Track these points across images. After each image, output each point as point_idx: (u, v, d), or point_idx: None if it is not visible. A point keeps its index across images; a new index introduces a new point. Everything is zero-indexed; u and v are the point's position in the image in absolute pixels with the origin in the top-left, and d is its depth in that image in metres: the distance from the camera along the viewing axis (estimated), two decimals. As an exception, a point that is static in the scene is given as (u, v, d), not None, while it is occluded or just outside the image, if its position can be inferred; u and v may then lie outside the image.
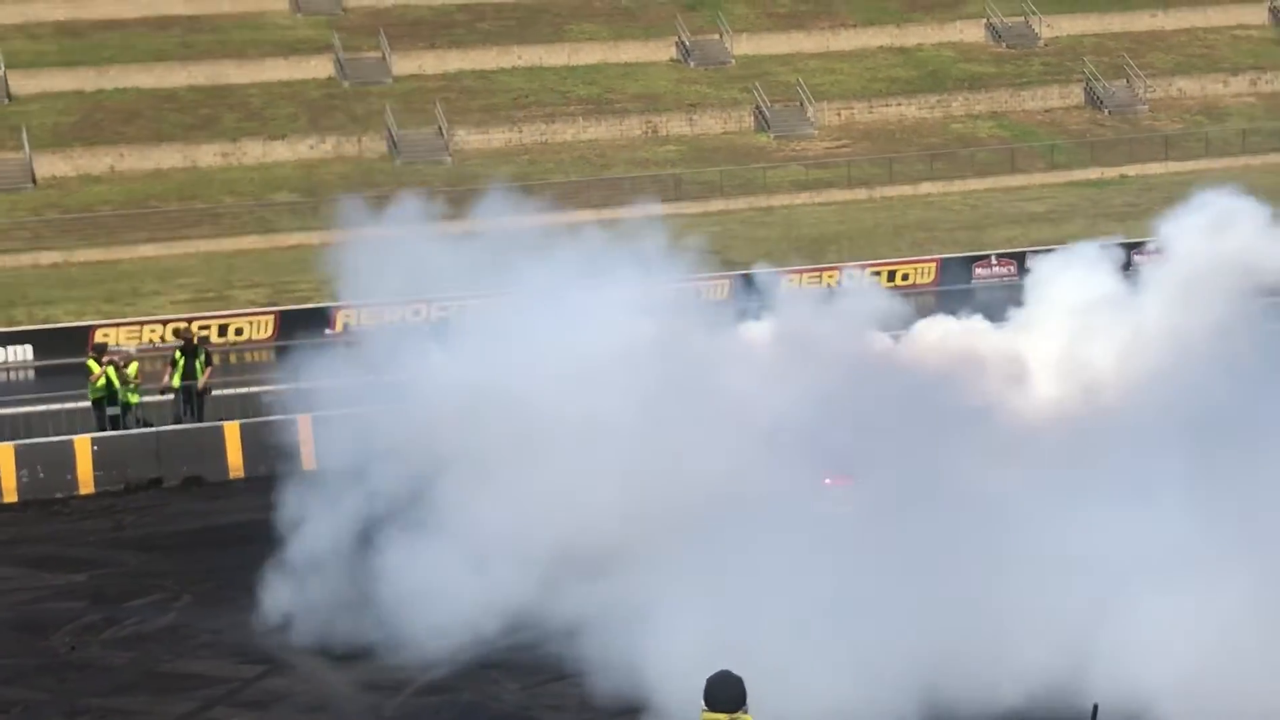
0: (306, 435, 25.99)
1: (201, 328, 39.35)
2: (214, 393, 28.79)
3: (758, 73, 60.77)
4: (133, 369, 27.54)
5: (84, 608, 18.87)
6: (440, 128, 56.11)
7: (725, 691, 8.31)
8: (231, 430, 26.22)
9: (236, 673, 15.95)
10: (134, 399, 27.32)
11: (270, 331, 40.11)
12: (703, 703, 8.32)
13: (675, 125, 58.13)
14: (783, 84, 60.32)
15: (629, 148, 56.73)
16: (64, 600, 19.28)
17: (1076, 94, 62.76)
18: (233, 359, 38.62)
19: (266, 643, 16.54)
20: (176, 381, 27.80)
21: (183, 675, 16.21)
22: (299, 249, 48.98)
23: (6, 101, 55.04)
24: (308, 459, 25.67)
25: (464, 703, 14.79)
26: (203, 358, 27.98)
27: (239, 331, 40.10)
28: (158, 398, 28.39)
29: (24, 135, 52.90)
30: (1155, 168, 57.74)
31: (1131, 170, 58.00)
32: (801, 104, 59.69)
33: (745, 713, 8.28)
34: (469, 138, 56.47)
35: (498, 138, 56.74)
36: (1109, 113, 61.95)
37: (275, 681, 15.55)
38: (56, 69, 56.13)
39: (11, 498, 24.77)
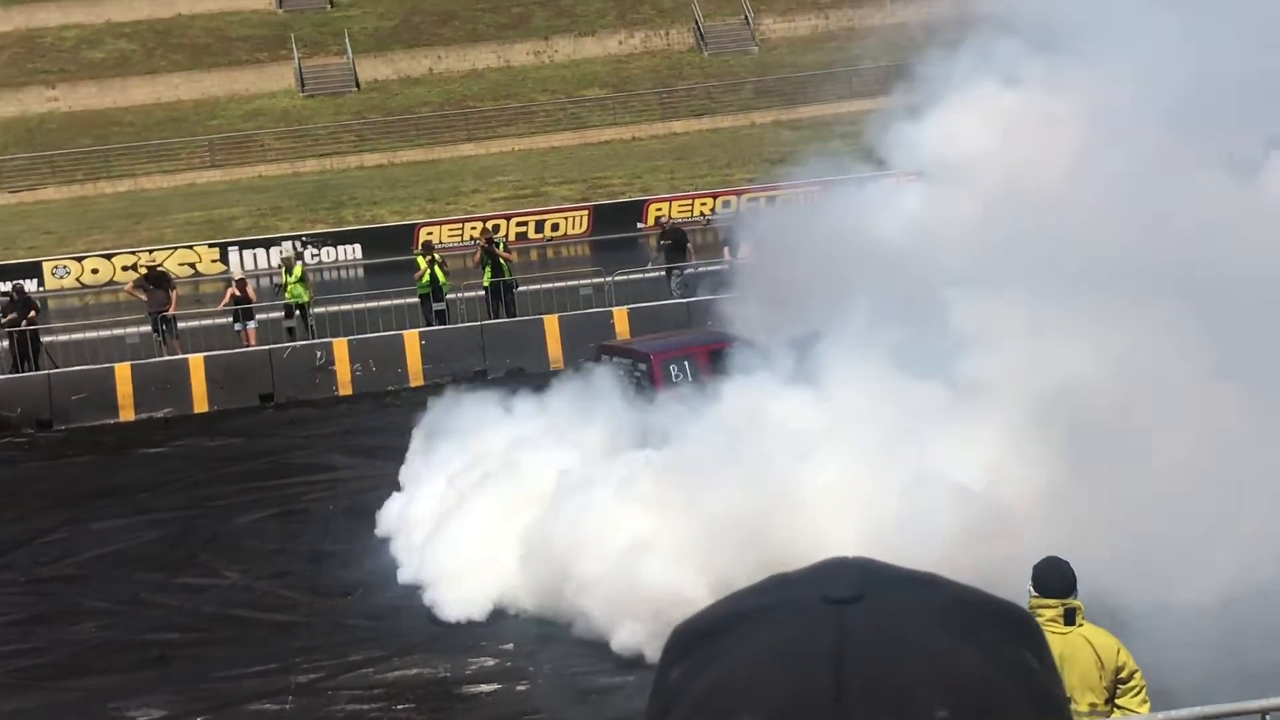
0: (623, 327, 26.63)
1: (519, 224, 40.48)
2: (533, 287, 29.67)
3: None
4: (297, 271, 28.84)
5: (417, 495, 19.74)
6: (746, 17, 56.04)
7: (1056, 578, 8.23)
8: (551, 323, 26.95)
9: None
10: (307, 296, 28.54)
11: (585, 226, 40.89)
12: (1031, 588, 8.26)
13: (997, 5, 56.84)
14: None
15: (938, 29, 55.70)
16: (396, 489, 20.20)
17: None
18: (550, 253, 39.58)
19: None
20: (486, 280, 28.66)
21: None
22: (610, 144, 49.73)
23: (329, 8, 56.94)
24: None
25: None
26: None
27: (555, 227, 40.97)
28: (470, 294, 29.32)
29: (346, 40, 54.70)
30: None
31: None
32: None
33: (1075, 598, 8.20)
34: (775, 26, 56.27)
35: (804, 25, 56.41)
36: None
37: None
38: (375, -26, 57.79)
39: (346, 390, 25.97)
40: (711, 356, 19.39)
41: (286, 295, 28.87)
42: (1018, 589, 8.04)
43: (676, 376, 19.11)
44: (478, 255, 29.35)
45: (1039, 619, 8.03)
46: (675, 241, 30.39)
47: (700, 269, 29.56)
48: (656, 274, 30.52)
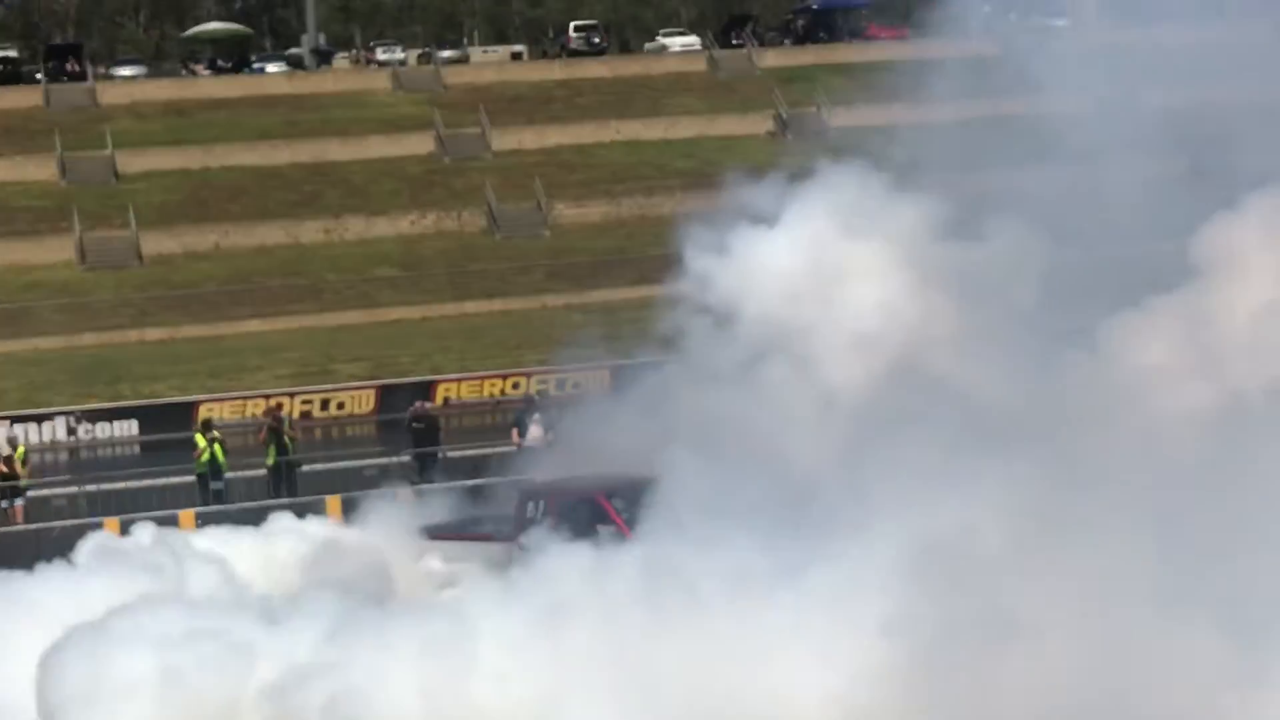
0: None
1: (304, 402, 39.78)
2: (316, 466, 29.08)
3: (855, 144, 60.53)
4: (20, 451, 28.33)
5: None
6: (539, 202, 56.48)
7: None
8: (333, 504, 26.35)
9: None
10: (24, 479, 28.03)
11: (371, 406, 40.37)
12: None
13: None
14: (882, 155, 60.04)
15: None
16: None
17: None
18: (335, 433, 38.92)
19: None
20: (271, 459, 28.13)
21: None
22: (400, 323, 49.41)
23: (114, 181, 56.10)
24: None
25: None
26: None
27: (340, 406, 40.39)
28: (249, 473, 28.74)
29: (131, 214, 53.82)
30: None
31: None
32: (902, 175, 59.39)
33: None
34: (567, 211, 56.78)
35: (595, 211, 57.01)
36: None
37: None
38: (163, 148, 57.18)
39: (117, 572, 24.93)
40: (571, 504, 19.50)
41: None
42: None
43: (531, 515, 19.62)
44: (263, 433, 28.88)
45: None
46: (428, 425, 30.11)
47: (486, 451, 29.32)
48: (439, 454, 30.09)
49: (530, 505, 19.86)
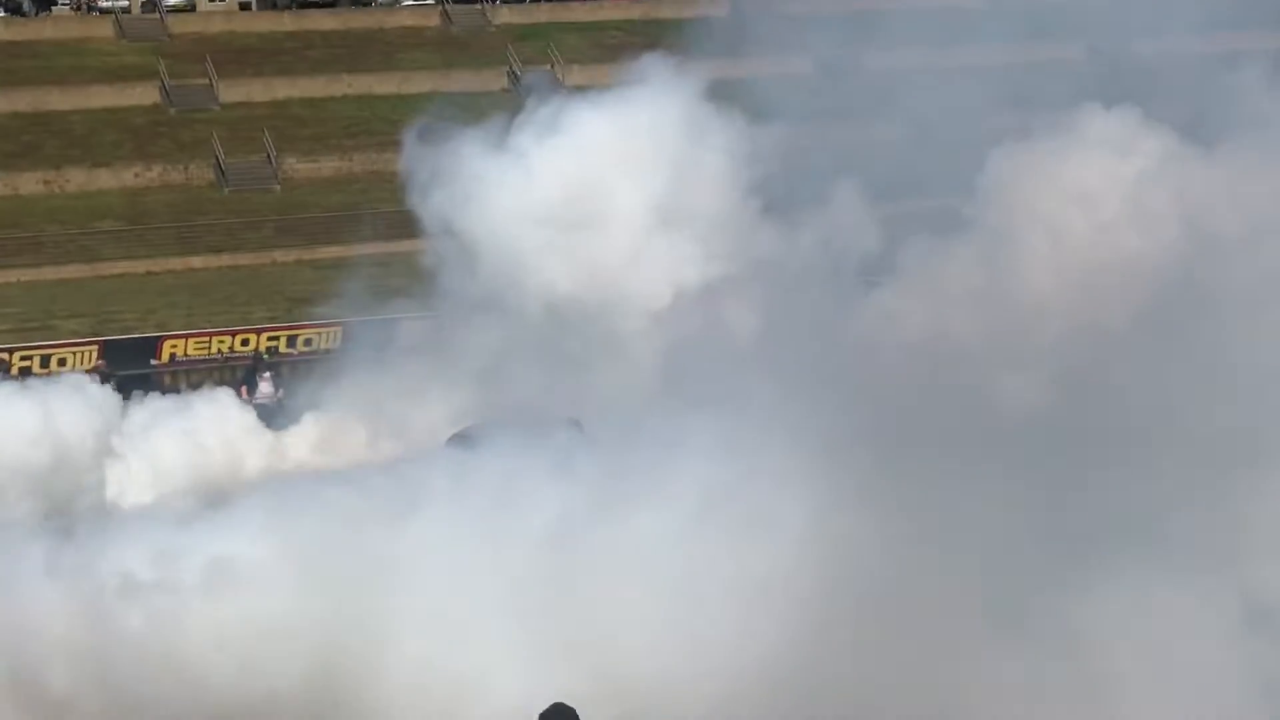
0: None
1: (24, 358, 38.57)
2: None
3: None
4: None
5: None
6: (269, 155, 55.54)
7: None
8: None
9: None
10: None
11: (94, 362, 39.32)
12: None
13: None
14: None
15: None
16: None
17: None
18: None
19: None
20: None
21: None
22: (124, 278, 48.24)
23: None
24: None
25: None
26: None
27: (62, 362, 39.22)
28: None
29: None
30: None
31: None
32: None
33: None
34: (298, 166, 55.96)
35: (328, 166, 56.30)
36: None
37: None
38: None
39: None
40: None
41: None
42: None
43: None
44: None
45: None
46: None
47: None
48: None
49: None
